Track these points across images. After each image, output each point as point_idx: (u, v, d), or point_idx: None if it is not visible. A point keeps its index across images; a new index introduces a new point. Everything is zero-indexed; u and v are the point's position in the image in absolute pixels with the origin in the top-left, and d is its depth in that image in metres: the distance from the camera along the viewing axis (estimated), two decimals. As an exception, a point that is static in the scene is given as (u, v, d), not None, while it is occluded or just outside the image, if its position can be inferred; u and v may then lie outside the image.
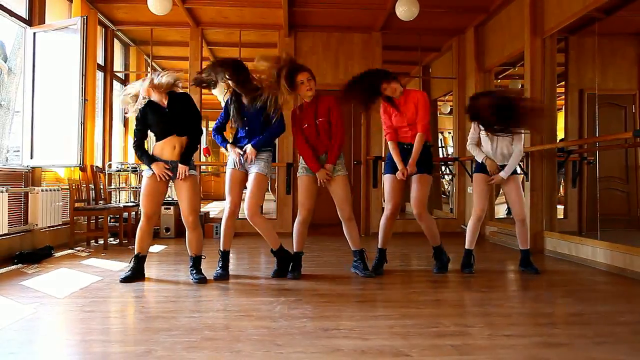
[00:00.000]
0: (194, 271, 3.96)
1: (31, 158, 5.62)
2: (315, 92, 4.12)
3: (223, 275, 4.05)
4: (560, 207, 6.30)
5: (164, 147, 3.90)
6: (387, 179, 4.33)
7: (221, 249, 4.13)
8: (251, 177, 4.08)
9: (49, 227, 5.57)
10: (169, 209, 6.83)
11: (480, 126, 4.34)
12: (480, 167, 4.43)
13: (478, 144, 4.46)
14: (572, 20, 5.23)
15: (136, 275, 3.93)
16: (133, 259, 3.98)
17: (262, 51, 8.21)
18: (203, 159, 8.10)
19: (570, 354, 2.35)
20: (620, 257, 4.37)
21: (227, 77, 3.96)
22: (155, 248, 5.77)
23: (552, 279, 4.17)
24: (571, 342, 2.53)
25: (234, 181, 4.14)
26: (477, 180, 4.46)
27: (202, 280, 3.87)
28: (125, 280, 3.86)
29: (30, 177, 5.52)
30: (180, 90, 3.97)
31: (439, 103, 9.70)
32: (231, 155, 4.17)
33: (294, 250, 4.19)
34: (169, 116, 3.86)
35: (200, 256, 4.03)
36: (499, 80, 8.62)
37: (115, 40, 7.82)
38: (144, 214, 3.92)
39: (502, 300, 3.45)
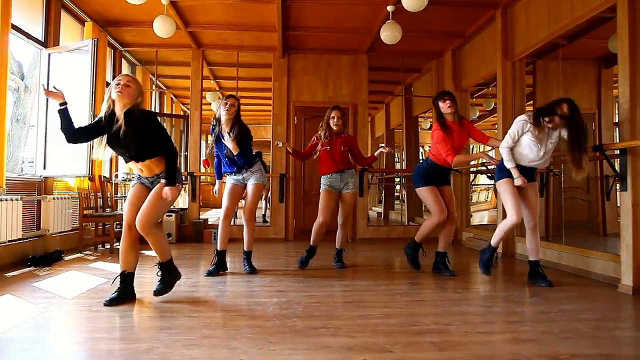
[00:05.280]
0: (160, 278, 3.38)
1: (44, 168, 5.58)
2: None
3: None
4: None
5: (133, 167, 3.30)
6: (428, 191, 4.38)
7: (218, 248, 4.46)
8: (250, 188, 4.43)
9: (59, 232, 5.52)
10: (171, 215, 6.80)
11: (545, 124, 3.77)
12: (508, 173, 3.90)
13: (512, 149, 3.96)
14: (538, 46, 5.31)
15: (123, 296, 3.21)
16: (118, 278, 3.28)
17: (259, 71, 8.28)
18: (202, 169, 8.06)
19: (538, 348, 2.37)
20: (582, 260, 4.41)
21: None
22: (158, 252, 5.72)
23: (522, 281, 4.19)
24: (539, 337, 2.55)
25: (232, 194, 4.47)
26: (506, 187, 3.92)
27: (158, 292, 3.31)
28: (111, 303, 3.13)
29: (43, 186, 5.47)
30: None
31: (420, 119, 9.75)
32: (232, 176, 4.50)
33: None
34: (123, 142, 3.13)
35: (164, 263, 3.36)
36: (474, 99, 8.69)
37: (123, 60, 7.81)
38: (124, 222, 3.23)
39: (477, 300, 3.47)
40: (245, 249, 4.51)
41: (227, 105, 4.35)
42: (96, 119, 3.25)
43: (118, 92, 3.06)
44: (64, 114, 3.18)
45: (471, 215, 8.56)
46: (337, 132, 4.67)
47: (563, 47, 5.66)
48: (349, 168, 4.70)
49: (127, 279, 3.27)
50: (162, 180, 3.19)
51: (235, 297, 3.48)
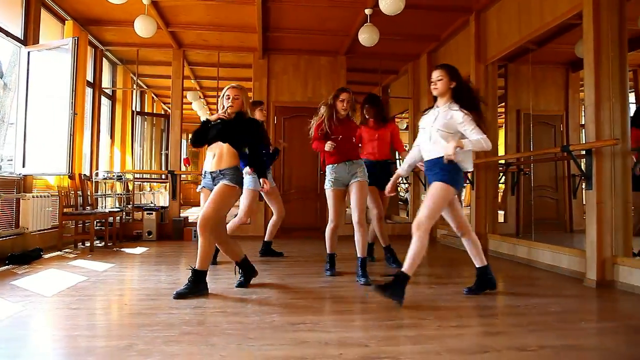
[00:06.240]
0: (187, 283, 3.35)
1: (23, 167, 5.45)
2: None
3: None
4: (500, 212, 6.44)
5: (209, 155, 3.50)
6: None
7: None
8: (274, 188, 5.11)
9: (39, 230, 5.39)
10: (151, 214, 6.70)
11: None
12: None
13: None
14: (510, 50, 5.40)
15: (248, 279, 3.66)
16: (237, 269, 3.69)
17: (239, 71, 8.23)
18: (183, 168, 7.98)
19: (508, 340, 2.41)
20: (550, 255, 4.50)
21: None
22: (138, 250, 5.65)
23: (494, 276, 4.25)
24: (509, 330, 2.60)
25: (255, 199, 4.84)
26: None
27: (178, 296, 3.23)
28: (241, 285, 3.59)
29: (22, 184, 5.34)
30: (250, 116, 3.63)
31: (396, 120, 9.82)
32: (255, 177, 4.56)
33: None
34: (224, 124, 3.49)
35: (198, 271, 3.33)
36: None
37: (104, 59, 7.68)
38: None
39: (451, 295, 3.50)
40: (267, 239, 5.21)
41: (265, 111, 5.09)
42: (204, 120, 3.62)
43: (230, 106, 3.50)
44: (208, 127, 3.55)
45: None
46: (345, 118, 4.11)
47: (533, 52, 5.76)
48: (357, 158, 4.12)
49: (244, 264, 3.67)
50: (224, 181, 3.36)
51: (215, 293, 3.44)
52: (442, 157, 3.17)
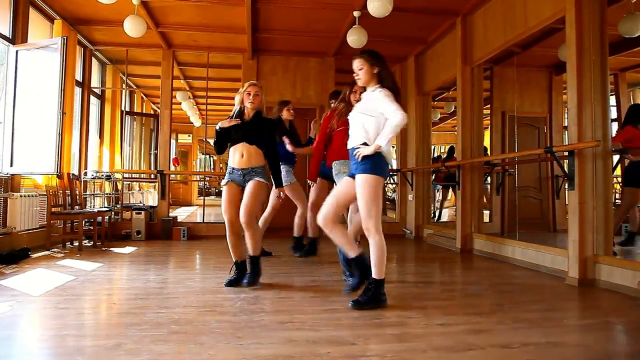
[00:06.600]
0: (247, 272, 3.63)
1: (11, 166, 5.37)
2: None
3: None
4: (486, 212, 6.50)
5: (235, 153, 3.63)
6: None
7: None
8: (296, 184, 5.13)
9: (26, 230, 5.32)
10: (140, 213, 6.64)
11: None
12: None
13: None
14: (495, 53, 5.45)
15: (241, 279, 3.65)
16: (233, 268, 3.68)
17: (228, 71, 8.20)
18: (172, 168, 7.92)
19: (493, 338, 2.43)
20: (534, 254, 4.55)
21: None
22: (127, 249, 5.60)
23: (479, 275, 4.29)
24: (493, 328, 2.61)
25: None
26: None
27: (249, 284, 3.56)
28: (231, 284, 3.59)
29: (9, 184, 5.26)
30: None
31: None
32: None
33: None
34: (247, 126, 3.63)
35: (254, 257, 3.61)
36: (435, 102, 8.83)
37: (93, 59, 7.60)
38: (227, 221, 3.58)
39: (437, 294, 3.53)
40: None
41: (291, 110, 5.14)
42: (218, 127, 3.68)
43: (251, 102, 3.63)
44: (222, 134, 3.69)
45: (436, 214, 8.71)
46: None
47: (518, 55, 5.82)
48: None
49: (241, 266, 3.67)
50: (257, 178, 3.59)
51: (204, 293, 3.43)
52: (364, 143, 3.01)
